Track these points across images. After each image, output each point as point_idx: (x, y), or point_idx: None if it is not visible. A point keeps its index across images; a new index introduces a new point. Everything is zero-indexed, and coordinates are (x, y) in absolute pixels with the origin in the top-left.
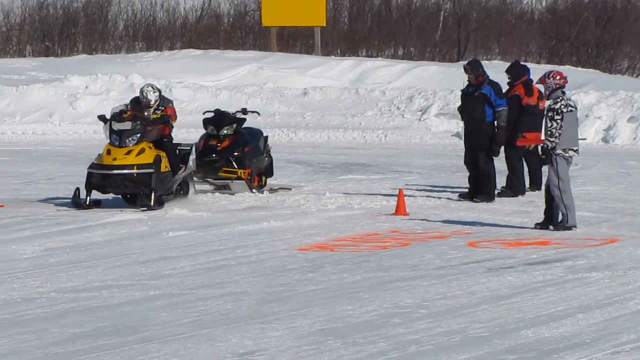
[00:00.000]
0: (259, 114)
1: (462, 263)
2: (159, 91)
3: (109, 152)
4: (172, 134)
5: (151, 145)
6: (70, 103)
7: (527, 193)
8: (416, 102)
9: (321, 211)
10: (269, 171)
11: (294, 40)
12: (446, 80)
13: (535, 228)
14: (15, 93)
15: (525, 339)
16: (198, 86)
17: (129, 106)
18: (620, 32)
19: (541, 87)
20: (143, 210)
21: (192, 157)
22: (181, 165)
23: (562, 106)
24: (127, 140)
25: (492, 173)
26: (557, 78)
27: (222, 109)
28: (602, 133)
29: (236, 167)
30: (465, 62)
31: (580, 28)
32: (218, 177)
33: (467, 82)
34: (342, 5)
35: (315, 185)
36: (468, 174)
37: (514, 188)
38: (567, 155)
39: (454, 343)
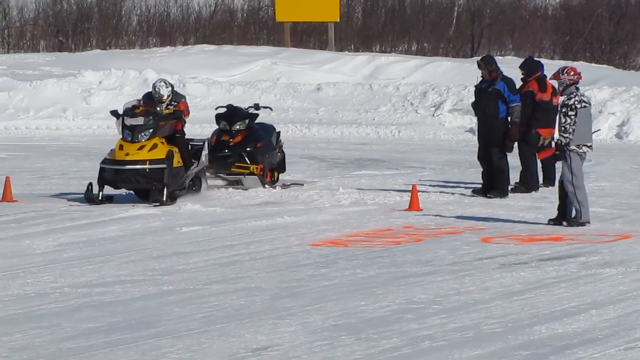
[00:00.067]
0: (271, 109)
1: (475, 259)
2: (172, 86)
3: (121, 147)
4: (185, 129)
5: (164, 140)
6: (84, 98)
7: (540, 189)
8: (430, 97)
9: (334, 207)
10: (281, 167)
11: (308, 35)
12: (460, 76)
13: (548, 224)
14: (29, 88)
15: (539, 334)
16: (212, 81)
17: (141, 101)
18: (634, 27)
19: (555, 83)
20: (155, 206)
21: (205, 152)
22: (194, 161)
23: (576, 102)
24: (139, 136)
25: (505, 169)
26: (571, 74)
27: (235, 105)
28: (615, 129)
29: (249, 162)
30: (478, 58)
31: (594, 24)
32: (230, 173)
33: (481, 78)
34: (356, 1)
35: (328, 180)
36: (481, 169)
37: (527, 184)
38: (580, 151)
39: (467, 339)
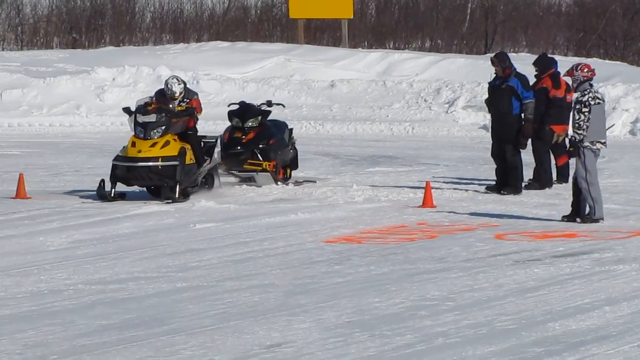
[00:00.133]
0: (284, 106)
1: (489, 255)
2: (184, 83)
3: (133, 144)
4: (198, 126)
5: (176, 137)
6: (98, 95)
7: (554, 186)
8: (443, 94)
9: (348, 203)
10: (294, 163)
11: (321, 32)
12: (473, 73)
13: (562, 220)
14: (42, 85)
15: (552, 331)
16: (225, 78)
17: (153, 98)
18: None
19: (569, 80)
20: (167, 203)
21: (217, 149)
22: (206, 158)
23: (590, 99)
24: (151, 133)
25: (519, 165)
26: (585, 70)
27: (247, 101)
28: (629, 125)
29: (261, 159)
30: (492, 55)
31: (607, 20)
32: (243, 170)
33: (494, 75)
34: None
35: (342, 177)
36: (495, 166)
37: (541, 181)
38: (594, 147)
39: (481, 335)
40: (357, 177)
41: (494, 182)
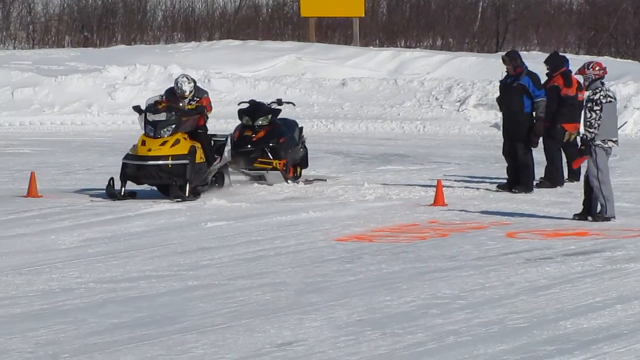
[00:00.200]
0: (294, 104)
1: (500, 254)
2: (194, 82)
3: (143, 143)
4: (209, 125)
5: (186, 136)
6: (109, 93)
7: (565, 184)
8: (455, 92)
9: (359, 202)
10: (304, 162)
11: (333, 30)
12: (485, 71)
13: (573, 219)
14: (54, 83)
15: (564, 329)
16: (237, 77)
17: (163, 97)
18: None
19: (580, 78)
20: (177, 202)
21: (228, 148)
22: (216, 157)
23: (601, 97)
24: (162, 131)
25: (530, 164)
26: (597, 69)
27: (257, 100)
28: None
29: (271, 158)
30: (503, 53)
31: (618, 19)
32: (253, 168)
33: (506, 73)
34: None
35: (353, 175)
36: (506, 164)
37: (552, 179)
38: (606, 146)
39: (492, 334)
40: (369, 175)
41: (505, 181)
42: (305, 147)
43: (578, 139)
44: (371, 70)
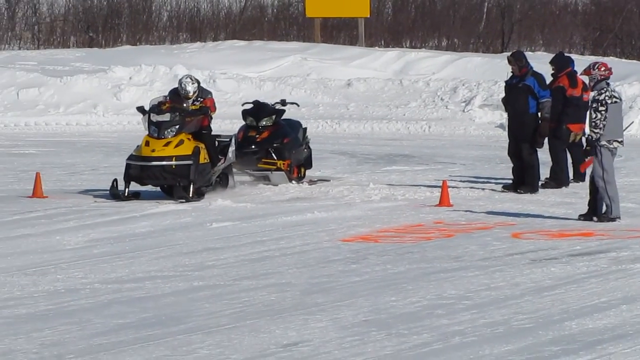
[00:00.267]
0: (298, 105)
1: (505, 254)
2: (198, 82)
3: (147, 143)
4: (215, 125)
5: (190, 136)
6: (114, 94)
7: (570, 184)
8: (460, 93)
9: (365, 202)
10: (308, 163)
11: (338, 31)
12: (490, 72)
13: (579, 219)
14: (59, 84)
15: (569, 330)
16: (242, 77)
17: (167, 97)
18: None
19: (586, 79)
20: (181, 202)
21: (232, 148)
22: (220, 157)
23: (607, 97)
24: (165, 132)
25: (536, 164)
26: (602, 69)
27: (261, 100)
28: None
29: (275, 158)
30: (509, 54)
31: (624, 19)
32: (257, 169)
33: (511, 74)
34: None
35: (358, 176)
36: (512, 165)
37: (557, 179)
38: (611, 146)
39: (498, 334)
40: (374, 175)
41: (510, 181)
42: (309, 147)
43: (583, 139)
44: (376, 71)
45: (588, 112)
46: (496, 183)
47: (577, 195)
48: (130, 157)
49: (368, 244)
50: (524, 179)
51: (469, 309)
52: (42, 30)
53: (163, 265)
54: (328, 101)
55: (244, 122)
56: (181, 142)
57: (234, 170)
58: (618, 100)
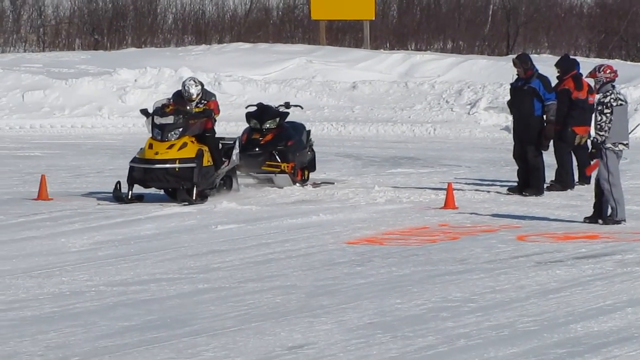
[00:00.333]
0: (302, 107)
1: (511, 257)
2: (202, 85)
3: (151, 146)
4: (220, 128)
5: (193, 139)
6: (120, 96)
7: (576, 187)
8: (465, 95)
9: (370, 205)
10: (311, 165)
11: (343, 33)
12: (495, 74)
13: (584, 222)
14: (64, 86)
15: (574, 333)
16: (247, 79)
17: (171, 100)
18: None
19: (591, 81)
20: (185, 205)
21: (236, 151)
22: (224, 160)
23: (612, 100)
24: (169, 135)
25: (541, 167)
26: (608, 72)
27: (265, 103)
28: None
29: (279, 161)
30: (514, 56)
31: (629, 22)
32: (261, 171)
33: (516, 76)
34: None
35: (364, 178)
36: (517, 167)
37: (563, 182)
38: (617, 149)
39: (503, 337)
40: (379, 178)
41: (515, 184)
42: (312, 150)
43: (589, 142)
44: (382, 73)
45: (593, 115)
46: (501, 185)
47: (582, 197)
48: (134, 160)
49: (373, 246)
50: (529, 182)
51: (474, 312)
52: (47, 32)
53: (168, 267)
54: (333, 104)
55: (248, 125)
56: (185, 144)
57: (238, 172)
58: (623, 103)
